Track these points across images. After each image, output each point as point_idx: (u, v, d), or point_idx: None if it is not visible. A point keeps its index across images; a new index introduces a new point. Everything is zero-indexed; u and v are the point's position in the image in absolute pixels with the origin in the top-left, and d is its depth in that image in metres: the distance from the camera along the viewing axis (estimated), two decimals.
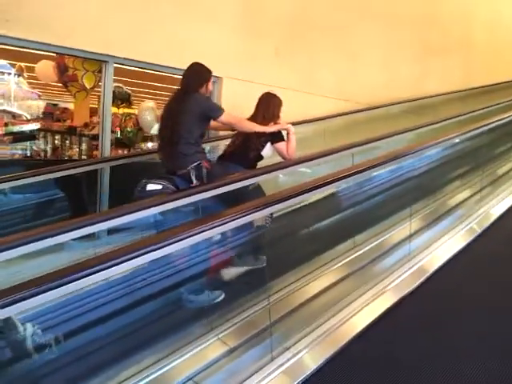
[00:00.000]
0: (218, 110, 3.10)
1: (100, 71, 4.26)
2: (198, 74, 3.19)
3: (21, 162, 4.82)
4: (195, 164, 3.00)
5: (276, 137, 3.35)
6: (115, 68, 4.18)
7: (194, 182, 2.99)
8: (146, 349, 2.18)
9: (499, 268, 3.17)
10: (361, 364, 2.15)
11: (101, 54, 3.97)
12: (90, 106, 6.75)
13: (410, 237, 3.20)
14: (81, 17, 3.76)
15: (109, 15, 3.90)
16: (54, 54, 4.55)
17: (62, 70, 4.81)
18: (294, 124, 3.48)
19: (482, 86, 8.23)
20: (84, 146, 6.08)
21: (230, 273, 3.01)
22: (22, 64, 5.77)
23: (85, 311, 2.07)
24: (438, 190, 4.36)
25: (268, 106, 3.48)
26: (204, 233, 1.90)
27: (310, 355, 2.16)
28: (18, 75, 6.35)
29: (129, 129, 5.57)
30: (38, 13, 3.54)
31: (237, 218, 2.04)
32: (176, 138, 3.01)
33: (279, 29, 5.21)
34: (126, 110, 6.29)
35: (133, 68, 4.38)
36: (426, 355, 2.18)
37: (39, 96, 6.12)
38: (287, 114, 3.64)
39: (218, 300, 2.70)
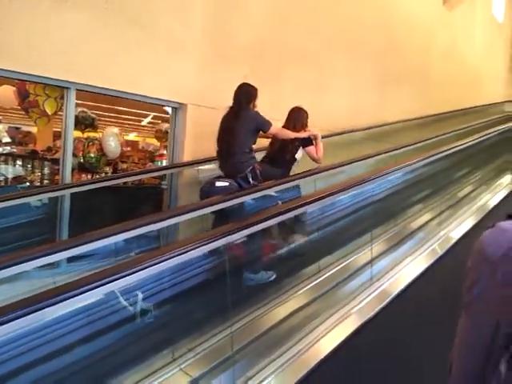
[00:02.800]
0: (268, 125, 3.71)
1: (62, 97, 4.21)
2: (247, 93, 3.73)
3: None
4: (250, 168, 3.63)
5: (306, 142, 4.00)
6: (80, 92, 4.15)
7: (252, 181, 3.62)
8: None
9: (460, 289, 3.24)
10: None
11: (62, 81, 3.93)
12: (55, 129, 6.65)
13: (372, 261, 3.25)
14: (42, 43, 3.72)
15: (71, 42, 3.86)
16: (16, 80, 4.49)
17: (22, 95, 4.73)
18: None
19: (439, 114, 8.56)
20: (46, 171, 5.98)
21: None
22: None
23: None
24: (399, 215, 4.46)
25: (298, 117, 4.10)
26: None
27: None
28: None
29: (92, 154, 5.50)
30: None
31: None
32: (233, 150, 3.64)
33: (246, 57, 5.30)
34: (91, 134, 6.23)
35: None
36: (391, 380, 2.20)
37: None
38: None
39: (272, 279, 3.28)
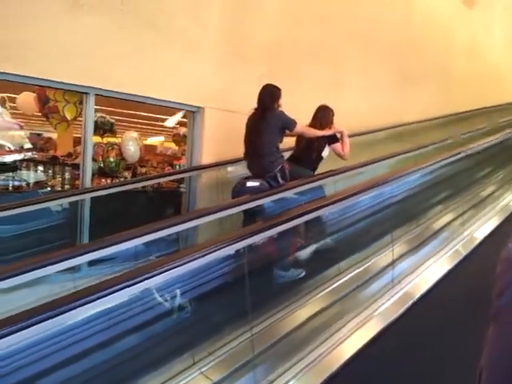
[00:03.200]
0: (293, 124, 3.78)
1: (81, 102, 4.25)
2: (271, 93, 3.78)
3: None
4: (279, 168, 3.71)
5: (332, 139, 4.06)
6: (99, 97, 4.18)
7: (281, 181, 3.70)
8: None
9: (485, 291, 3.15)
10: None
11: (81, 86, 3.96)
12: (74, 135, 6.73)
13: (393, 262, 3.19)
14: (61, 49, 3.75)
15: (89, 46, 3.89)
16: (36, 86, 4.55)
17: (42, 101, 4.79)
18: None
19: (461, 113, 8.40)
20: (67, 176, 6.05)
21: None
22: (4, 95, 5.75)
23: None
24: (420, 215, 4.37)
25: (324, 116, 4.16)
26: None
27: None
28: (0, 106, 6.31)
29: (111, 159, 5.55)
30: (18, 46, 3.53)
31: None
32: (261, 151, 3.71)
33: (262, 57, 5.27)
34: (110, 139, 6.30)
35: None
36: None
37: (21, 127, 6.08)
38: None
39: (301, 276, 3.29)
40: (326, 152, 4.09)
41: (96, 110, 4.53)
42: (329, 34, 6.14)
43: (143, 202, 5.28)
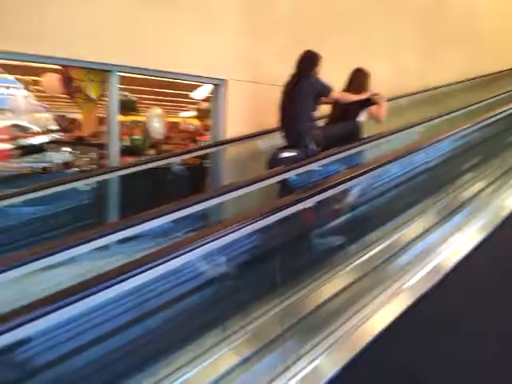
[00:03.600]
0: (329, 90, 3.74)
1: (105, 81, 4.25)
2: (309, 60, 3.76)
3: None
4: (312, 135, 3.65)
5: (368, 102, 4.03)
6: (122, 77, 4.17)
7: (315, 148, 3.64)
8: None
9: None
10: (379, 371, 2.08)
11: (104, 64, 3.95)
12: (99, 115, 6.76)
13: (422, 235, 3.12)
14: (81, 27, 3.75)
15: (110, 24, 3.87)
16: (58, 67, 4.57)
17: (67, 81, 4.81)
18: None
19: (492, 74, 8.02)
20: (93, 156, 6.10)
21: None
22: (29, 78, 5.82)
23: None
24: (448, 185, 4.24)
25: (359, 79, 4.12)
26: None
27: (326, 362, 2.10)
28: (26, 89, 6.39)
29: (137, 137, 5.57)
30: (38, 26, 3.54)
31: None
32: (295, 118, 3.68)
33: (284, 27, 5.14)
34: (134, 118, 6.32)
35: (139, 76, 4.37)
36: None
37: (46, 109, 6.16)
38: None
39: (339, 243, 3.23)
40: (361, 117, 4.05)
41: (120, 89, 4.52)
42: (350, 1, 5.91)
43: (169, 178, 5.28)
